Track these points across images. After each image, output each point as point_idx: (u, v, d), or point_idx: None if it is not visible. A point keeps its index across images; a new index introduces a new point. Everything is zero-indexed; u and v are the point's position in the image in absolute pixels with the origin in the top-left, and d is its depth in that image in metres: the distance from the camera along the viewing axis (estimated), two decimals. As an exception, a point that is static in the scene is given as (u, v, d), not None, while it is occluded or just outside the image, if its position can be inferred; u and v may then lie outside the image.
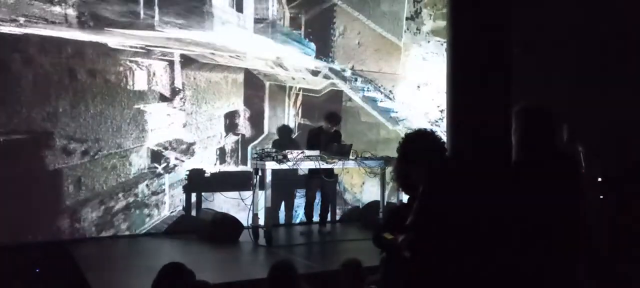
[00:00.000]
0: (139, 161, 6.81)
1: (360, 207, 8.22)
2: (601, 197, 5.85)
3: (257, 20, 7.53)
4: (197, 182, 7.26)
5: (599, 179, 5.94)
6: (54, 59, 6.25)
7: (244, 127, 7.61)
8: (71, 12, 6.32)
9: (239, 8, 7.38)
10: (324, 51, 8.10)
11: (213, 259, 5.85)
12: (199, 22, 7.04)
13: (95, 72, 6.48)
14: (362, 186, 8.25)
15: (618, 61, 6.43)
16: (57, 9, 6.23)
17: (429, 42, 8.86)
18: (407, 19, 8.71)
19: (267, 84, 7.70)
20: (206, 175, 7.33)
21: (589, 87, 6.52)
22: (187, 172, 7.21)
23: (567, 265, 2.66)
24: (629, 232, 5.09)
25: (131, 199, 6.72)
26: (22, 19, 6.05)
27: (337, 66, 8.13)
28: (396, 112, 8.61)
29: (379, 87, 8.46)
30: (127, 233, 6.69)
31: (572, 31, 6.68)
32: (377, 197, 7.51)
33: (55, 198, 6.33)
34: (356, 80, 8.26)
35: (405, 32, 8.71)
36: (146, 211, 6.88)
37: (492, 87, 2.59)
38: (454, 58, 2.69)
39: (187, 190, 7.24)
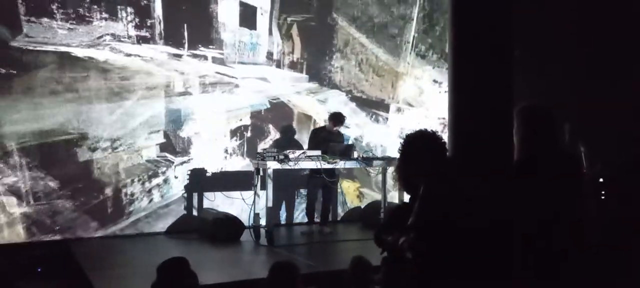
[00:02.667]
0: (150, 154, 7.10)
1: (362, 207, 8.22)
2: (602, 197, 5.85)
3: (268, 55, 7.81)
4: (198, 181, 7.27)
5: (601, 179, 5.94)
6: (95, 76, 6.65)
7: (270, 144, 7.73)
8: (132, 30, 6.80)
9: (252, 26, 7.63)
10: (319, 71, 8.12)
11: (214, 259, 5.86)
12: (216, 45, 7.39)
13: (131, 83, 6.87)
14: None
15: (620, 61, 6.42)
16: (120, 25, 6.72)
17: (433, 68, 8.82)
18: (416, 36, 8.66)
19: (296, 111, 7.95)
20: (207, 174, 7.34)
21: (590, 87, 6.52)
22: (189, 172, 7.23)
23: (568, 264, 2.66)
24: (630, 231, 5.09)
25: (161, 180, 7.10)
26: (108, 38, 6.59)
27: (315, 86, 8.12)
28: (358, 140, 8.33)
29: (365, 109, 8.41)
30: (159, 198, 7.03)
31: (573, 31, 6.67)
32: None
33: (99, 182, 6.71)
34: (325, 102, 8.13)
35: (411, 52, 8.66)
36: (171, 190, 7.15)
37: (493, 87, 2.59)
38: (455, 58, 2.70)
39: (189, 189, 7.26)
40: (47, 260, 5.94)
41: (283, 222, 7.76)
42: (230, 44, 7.45)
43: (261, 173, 6.44)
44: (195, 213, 7.25)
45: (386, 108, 8.52)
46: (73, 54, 6.45)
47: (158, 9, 6.92)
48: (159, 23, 6.95)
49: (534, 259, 2.59)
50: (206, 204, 7.29)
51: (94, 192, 6.63)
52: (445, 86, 8.63)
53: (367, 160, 7.10)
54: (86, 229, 6.56)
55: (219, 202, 7.27)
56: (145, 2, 6.82)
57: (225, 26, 7.40)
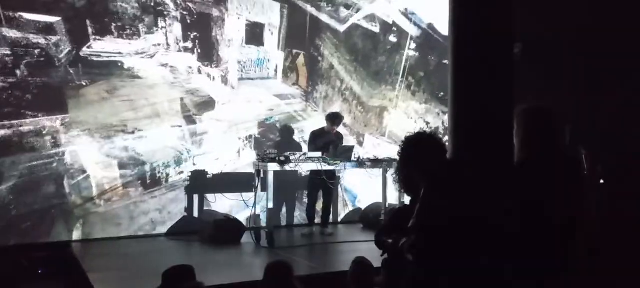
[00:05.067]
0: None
1: (362, 208, 8.22)
2: (603, 199, 5.84)
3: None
4: (199, 183, 7.28)
5: (601, 181, 5.94)
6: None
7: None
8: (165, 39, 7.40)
9: (260, 42, 7.94)
10: (307, 98, 8.22)
11: (215, 260, 5.86)
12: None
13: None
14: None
15: (621, 62, 6.42)
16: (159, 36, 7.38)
17: (421, 104, 8.89)
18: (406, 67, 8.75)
19: (297, 117, 8.16)
20: (208, 176, 7.35)
21: (590, 89, 6.52)
22: (190, 173, 7.24)
23: (569, 266, 2.66)
24: (631, 233, 5.08)
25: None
26: (155, 49, 7.31)
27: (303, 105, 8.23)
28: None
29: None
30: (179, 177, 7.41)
31: (573, 32, 6.67)
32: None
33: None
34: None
35: (401, 82, 8.75)
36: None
37: (493, 88, 2.59)
38: (456, 59, 2.70)
39: (190, 191, 7.26)
40: (48, 261, 5.95)
41: (283, 223, 7.77)
42: (238, 59, 7.72)
43: (262, 174, 6.44)
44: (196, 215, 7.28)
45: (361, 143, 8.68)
46: (120, 64, 7.09)
47: (177, 31, 7.34)
48: (177, 43, 7.34)
49: (534, 261, 2.59)
50: (206, 205, 7.30)
51: (134, 168, 7.12)
52: (420, 123, 8.79)
53: (368, 162, 7.10)
54: (137, 189, 7.08)
55: (219, 203, 7.30)
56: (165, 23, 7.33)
57: (233, 43, 7.68)
